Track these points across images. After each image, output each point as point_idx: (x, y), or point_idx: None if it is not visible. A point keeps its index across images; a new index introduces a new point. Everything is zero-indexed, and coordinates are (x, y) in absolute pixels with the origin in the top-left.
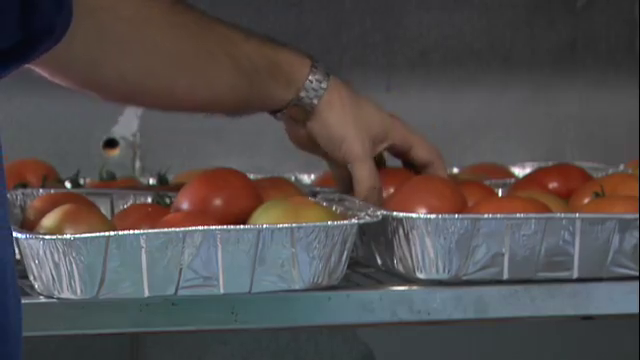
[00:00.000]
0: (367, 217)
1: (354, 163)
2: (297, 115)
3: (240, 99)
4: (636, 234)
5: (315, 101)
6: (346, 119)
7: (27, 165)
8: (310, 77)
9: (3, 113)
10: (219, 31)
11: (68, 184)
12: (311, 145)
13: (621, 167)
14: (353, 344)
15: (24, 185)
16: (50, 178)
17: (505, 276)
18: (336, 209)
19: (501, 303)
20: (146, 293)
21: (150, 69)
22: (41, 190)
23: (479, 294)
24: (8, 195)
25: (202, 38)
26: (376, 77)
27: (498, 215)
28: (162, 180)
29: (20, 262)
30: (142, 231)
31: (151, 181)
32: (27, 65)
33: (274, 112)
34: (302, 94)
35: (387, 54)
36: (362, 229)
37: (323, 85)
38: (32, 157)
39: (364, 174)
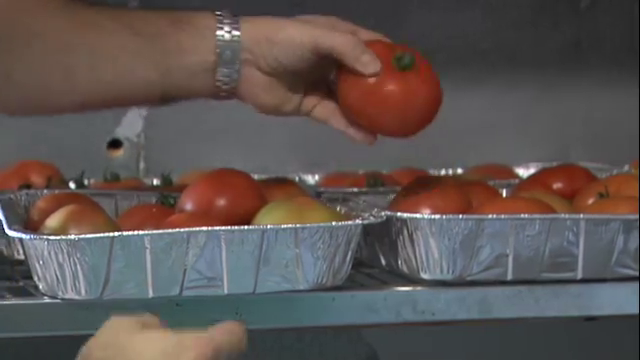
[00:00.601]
0: (371, 217)
1: (320, 38)
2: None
3: (151, 66)
4: None
5: (237, 32)
6: (281, 21)
7: (31, 166)
8: (219, 18)
9: (7, 116)
10: (109, 10)
11: (72, 185)
12: (281, 86)
13: (625, 168)
14: (357, 344)
15: (28, 186)
16: (54, 179)
17: (509, 277)
18: (340, 209)
19: (505, 303)
20: (150, 294)
21: (38, 62)
22: (45, 191)
23: (483, 295)
24: (12, 196)
25: (90, 15)
26: None
27: (502, 216)
28: (166, 181)
29: (24, 262)
30: (146, 232)
31: (155, 182)
32: None
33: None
34: (218, 32)
35: None
36: (366, 229)
37: (235, 18)
38: (36, 158)
39: (337, 37)
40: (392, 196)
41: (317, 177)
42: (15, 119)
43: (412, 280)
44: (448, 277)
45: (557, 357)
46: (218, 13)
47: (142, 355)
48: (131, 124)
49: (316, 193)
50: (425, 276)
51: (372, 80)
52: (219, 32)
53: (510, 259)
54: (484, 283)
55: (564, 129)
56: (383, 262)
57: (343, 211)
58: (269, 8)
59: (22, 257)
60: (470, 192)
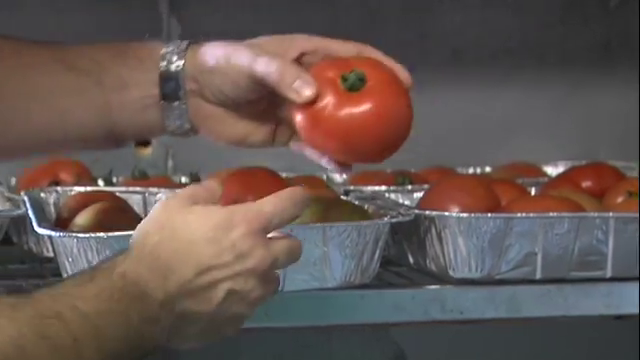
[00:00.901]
0: (399, 216)
1: (254, 65)
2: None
3: (90, 104)
4: None
5: (180, 62)
6: (222, 47)
7: (61, 164)
8: (165, 49)
9: None
10: (43, 47)
11: (101, 183)
12: (226, 117)
13: None
14: (385, 343)
15: (58, 183)
16: (83, 177)
17: (538, 275)
18: (368, 208)
19: (534, 302)
20: None
21: None
22: (75, 188)
23: (512, 293)
24: (42, 194)
25: (21, 53)
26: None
27: (531, 214)
28: (194, 179)
29: (54, 260)
30: None
31: (183, 180)
32: None
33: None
34: (162, 63)
35: (420, 52)
36: (394, 228)
37: (182, 46)
38: (66, 156)
39: (268, 63)
40: (420, 194)
41: (345, 175)
42: None
43: (440, 278)
44: (476, 276)
45: (584, 356)
46: (170, 43)
47: (194, 233)
48: None
49: (344, 191)
50: (453, 274)
51: (314, 106)
52: (162, 63)
53: (539, 258)
54: (513, 282)
55: (593, 128)
56: (411, 260)
57: (371, 209)
58: (303, 5)
59: (51, 254)
60: (498, 190)
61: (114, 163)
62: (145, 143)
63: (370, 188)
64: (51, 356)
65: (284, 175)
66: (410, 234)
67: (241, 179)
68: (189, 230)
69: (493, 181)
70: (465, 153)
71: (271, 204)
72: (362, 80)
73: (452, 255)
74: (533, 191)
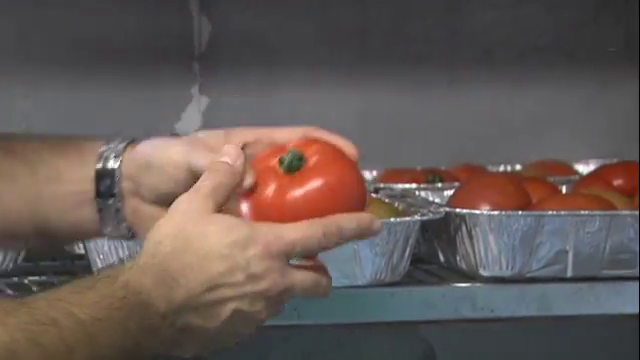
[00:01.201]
0: (430, 214)
1: (193, 158)
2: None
3: (21, 193)
4: None
5: (118, 159)
6: (159, 142)
7: None
8: (104, 146)
9: (68, 110)
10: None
11: None
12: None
13: None
14: (415, 341)
15: None
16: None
17: (569, 273)
18: (398, 205)
19: (565, 300)
20: None
21: None
22: None
23: (543, 291)
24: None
25: None
26: (439, 73)
27: (562, 212)
28: None
29: (85, 257)
30: None
31: None
32: None
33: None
34: (99, 161)
35: (451, 50)
36: (425, 226)
37: (120, 146)
38: None
39: (207, 156)
40: (450, 192)
41: (375, 173)
42: (74, 114)
43: (471, 276)
44: (507, 274)
45: (615, 354)
46: (109, 139)
47: (210, 247)
48: (190, 120)
49: (374, 189)
50: (484, 272)
51: (257, 195)
52: (99, 161)
53: (570, 256)
54: (543, 280)
55: (624, 126)
56: (441, 258)
57: (401, 207)
58: (333, 3)
59: (82, 252)
60: (529, 188)
61: None
62: None
63: (400, 186)
64: None
65: None
66: (440, 232)
67: None
68: (205, 243)
69: (524, 179)
70: (495, 151)
71: (297, 230)
72: (300, 159)
73: (483, 253)
74: (564, 189)
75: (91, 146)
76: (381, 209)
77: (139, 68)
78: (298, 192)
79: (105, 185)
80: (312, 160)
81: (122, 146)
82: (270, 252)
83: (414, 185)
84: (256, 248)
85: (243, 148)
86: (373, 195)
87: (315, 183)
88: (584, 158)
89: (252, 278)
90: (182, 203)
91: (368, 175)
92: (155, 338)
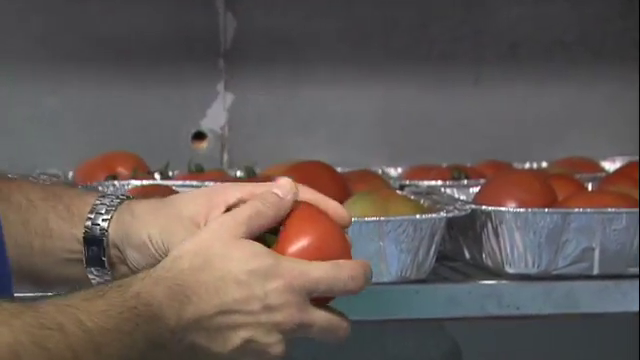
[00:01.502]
0: (455, 211)
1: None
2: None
3: (10, 239)
4: None
5: (104, 225)
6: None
7: (118, 157)
8: (97, 201)
9: (94, 106)
10: None
11: (158, 176)
12: None
13: None
14: (440, 338)
15: (115, 177)
16: (140, 170)
17: (595, 271)
18: (424, 202)
19: (591, 298)
20: None
21: None
22: (131, 182)
23: (569, 289)
24: (100, 187)
25: None
26: (464, 70)
27: (589, 209)
28: (250, 173)
29: None
30: None
31: (239, 174)
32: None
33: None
34: (87, 223)
35: (476, 47)
36: (450, 223)
37: (114, 202)
38: (123, 150)
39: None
40: (476, 189)
41: (400, 170)
42: (101, 111)
43: (496, 274)
44: (533, 271)
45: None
46: (101, 196)
47: (229, 271)
48: (215, 117)
49: (400, 186)
50: (510, 270)
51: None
52: (87, 223)
53: (596, 253)
54: (570, 277)
55: None
56: (467, 255)
57: (427, 204)
58: (358, 1)
59: None
60: (555, 186)
61: (170, 156)
62: (201, 137)
63: (426, 183)
64: None
65: (339, 169)
66: (466, 229)
67: (296, 173)
68: (224, 265)
69: (550, 176)
70: (521, 148)
71: (324, 269)
72: (271, 238)
73: (509, 250)
74: (590, 186)
75: (79, 205)
76: (406, 206)
77: (165, 65)
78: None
79: (93, 252)
80: (290, 224)
81: (109, 215)
82: (292, 286)
83: (440, 182)
84: (277, 281)
85: (230, 208)
86: (398, 192)
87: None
88: (610, 155)
89: (268, 309)
90: (213, 223)
91: (393, 172)
92: (162, 353)
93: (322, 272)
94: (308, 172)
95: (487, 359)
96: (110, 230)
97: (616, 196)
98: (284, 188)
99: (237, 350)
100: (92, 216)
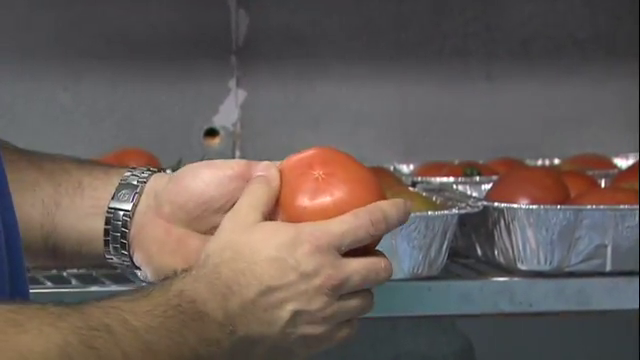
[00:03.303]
0: (468, 207)
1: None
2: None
3: (38, 200)
4: None
5: (144, 175)
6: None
7: (130, 154)
8: (129, 172)
9: (107, 103)
10: (24, 151)
11: (170, 172)
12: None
13: None
14: (452, 335)
15: None
16: (152, 166)
17: (608, 268)
18: (436, 199)
19: (604, 295)
20: None
21: None
22: None
23: (581, 286)
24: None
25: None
26: (477, 66)
27: (601, 206)
28: None
29: None
30: None
31: None
32: None
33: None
34: (125, 174)
35: (488, 43)
36: (462, 219)
37: (146, 173)
38: (135, 146)
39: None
40: (488, 186)
41: (412, 167)
42: (113, 108)
43: (509, 271)
44: (545, 268)
45: None
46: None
47: (258, 253)
48: (228, 113)
49: (412, 183)
50: (522, 267)
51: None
52: (126, 173)
53: (609, 250)
54: (582, 274)
55: None
56: (479, 252)
57: (439, 201)
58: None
59: None
60: (568, 182)
61: (182, 153)
62: (213, 134)
63: (438, 179)
64: None
65: None
66: (478, 226)
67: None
68: (253, 250)
69: (562, 173)
70: (534, 144)
71: (344, 223)
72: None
73: (521, 247)
74: (603, 183)
75: (118, 168)
76: (419, 203)
77: (177, 61)
78: (327, 198)
79: (123, 194)
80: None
81: (147, 174)
82: (319, 247)
83: (452, 179)
84: (304, 246)
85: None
86: (410, 189)
87: (342, 189)
88: (623, 152)
89: (304, 276)
90: (227, 222)
91: (405, 169)
92: (216, 348)
93: (343, 225)
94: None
95: (499, 356)
96: (148, 183)
97: (629, 193)
98: (263, 166)
99: (289, 326)
100: (129, 174)
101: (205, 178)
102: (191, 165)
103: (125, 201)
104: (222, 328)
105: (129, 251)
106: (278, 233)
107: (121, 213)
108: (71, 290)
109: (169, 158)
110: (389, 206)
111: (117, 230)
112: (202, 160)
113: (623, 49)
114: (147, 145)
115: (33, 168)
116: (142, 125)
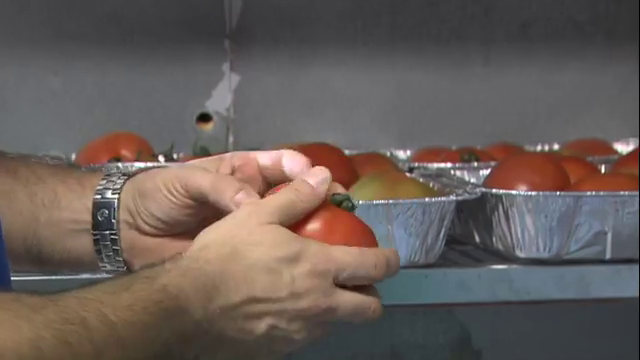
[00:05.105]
0: (465, 194)
1: (189, 179)
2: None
3: (16, 212)
4: None
5: (117, 191)
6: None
7: (122, 139)
8: (103, 180)
9: (98, 87)
10: None
11: (162, 158)
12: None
13: None
14: (449, 324)
15: (118, 159)
16: (144, 152)
17: (608, 255)
18: (433, 185)
19: (603, 283)
20: None
21: None
22: (135, 164)
23: (581, 273)
24: (102, 169)
25: None
26: (474, 50)
27: (601, 192)
28: None
29: None
30: None
31: None
32: None
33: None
34: (98, 188)
35: (486, 27)
36: (460, 206)
37: (120, 180)
38: (127, 131)
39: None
40: (487, 172)
41: (409, 152)
42: (104, 93)
43: (507, 258)
44: (544, 255)
45: None
46: (110, 173)
47: (256, 259)
48: (221, 98)
49: (409, 168)
50: (521, 254)
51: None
52: (99, 188)
53: (609, 237)
54: (582, 261)
55: None
56: (477, 239)
57: (436, 187)
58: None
59: None
60: (567, 168)
61: (175, 137)
62: (206, 119)
63: (435, 165)
64: None
65: (347, 152)
66: (476, 212)
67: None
68: (253, 253)
69: (562, 159)
70: (533, 130)
71: (349, 254)
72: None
73: (519, 234)
74: (603, 169)
75: (90, 178)
76: (416, 189)
77: (169, 45)
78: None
79: (103, 216)
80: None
81: (121, 180)
82: (317, 270)
83: (449, 164)
84: (304, 265)
85: (233, 173)
86: (407, 175)
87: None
88: (623, 137)
89: (294, 295)
90: (241, 211)
91: (402, 154)
92: (187, 345)
93: (347, 257)
94: (315, 154)
95: (497, 345)
96: (123, 189)
97: (629, 179)
98: (317, 177)
99: (261, 338)
100: (104, 182)
101: (162, 202)
102: (154, 178)
103: (106, 220)
104: (198, 326)
105: (123, 257)
106: (284, 245)
107: (107, 233)
108: (61, 278)
109: (161, 143)
110: (394, 255)
111: (109, 249)
112: (196, 145)
113: (623, 32)
114: (139, 130)
115: (9, 176)
116: (134, 110)
